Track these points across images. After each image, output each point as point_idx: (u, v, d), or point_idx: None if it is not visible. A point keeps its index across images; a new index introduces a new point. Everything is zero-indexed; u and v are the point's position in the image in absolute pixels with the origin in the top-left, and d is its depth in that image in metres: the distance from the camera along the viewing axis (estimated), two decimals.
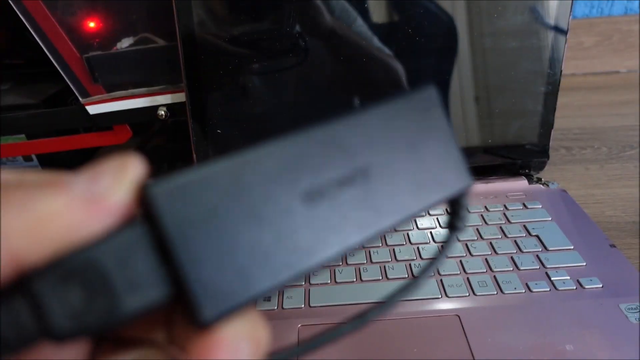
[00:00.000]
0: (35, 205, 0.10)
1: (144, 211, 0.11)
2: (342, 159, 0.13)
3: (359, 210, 0.13)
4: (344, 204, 0.13)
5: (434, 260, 0.15)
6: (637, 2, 0.69)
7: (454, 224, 0.16)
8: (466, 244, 0.38)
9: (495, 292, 0.34)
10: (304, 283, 0.36)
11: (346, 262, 0.37)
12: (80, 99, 0.48)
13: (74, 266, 0.10)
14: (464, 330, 0.31)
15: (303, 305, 0.34)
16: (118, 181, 0.11)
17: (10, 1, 0.42)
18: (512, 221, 0.41)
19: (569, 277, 0.34)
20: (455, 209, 0.16)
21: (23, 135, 0.51)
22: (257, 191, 0.12)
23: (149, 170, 0.12)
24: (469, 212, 0.16)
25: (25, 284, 0.10)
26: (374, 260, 0.37)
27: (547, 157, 0.47)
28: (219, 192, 0.12)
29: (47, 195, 0.10)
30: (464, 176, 0.15)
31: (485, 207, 0.43)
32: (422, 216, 0.42)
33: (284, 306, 0.34)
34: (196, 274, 0.11)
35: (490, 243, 0.38)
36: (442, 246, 0.16)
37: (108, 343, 0.14)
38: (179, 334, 0.13)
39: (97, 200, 0.11)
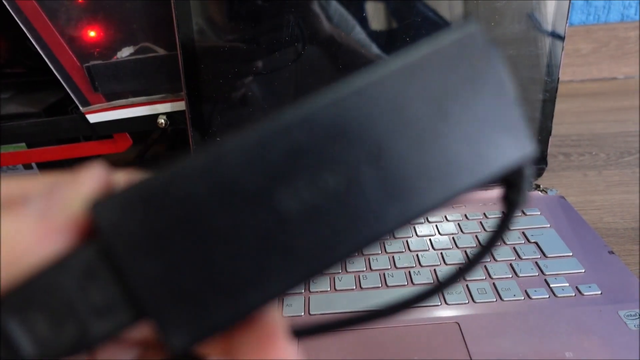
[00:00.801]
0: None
1: (96, 230, 0.10)
2: (341, 143, 0.10)
3: (370, 201, 0.10)
4: (350, 198, 0.10)
5: (489, 243, 0.13)
6: (633, 9, 0.70)
7: (511, 198, 0.13)
8: (465, 251, 0.38)
9: (495, 299, 0.34)
10: (303, 291, 0.36)
11: (346, 270, 0.37)
12: (81, 107, 0.48)
13: (36, 293, 0.10)
14: (463, 337, 0.31)
15: (303, 313, 0.34)
16: (70, 196, 0.10)
17: (11, 11, 0.42)
18: (511, 228, 0.41)
19: (567, 284, 0.34)
20: (514, 180, 0.12)
21: (23, 144, 0.51)
22: (235, 190, 0.10)
23: (109, 180, 0.11)
24: (527, 184, 0.12)
25: None
26: (373, 268, 0.37)
27: (546, 163, 0.47)
28: (172, 205, 0.10)
29: (3, 219, 0.10)
30: (524, 140, 0.11)
31: (484, 214, 0.43)
32: (421, 223, 0.42)
33: (284, 314, 0.34)
34: (156, 298, 0.10)
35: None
36: (500, 225, 0.13)
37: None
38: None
39: (49, 219, 0.10)
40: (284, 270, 0.10)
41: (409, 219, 0.11)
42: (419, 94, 0.11)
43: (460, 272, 0.13)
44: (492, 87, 0.11)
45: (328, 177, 0.10)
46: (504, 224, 0.13)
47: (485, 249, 0.13)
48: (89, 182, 0.11)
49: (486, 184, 0.12)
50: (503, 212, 0.13)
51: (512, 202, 0.13)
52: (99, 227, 0.10)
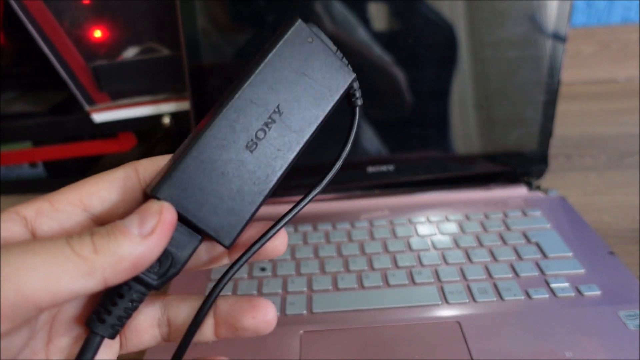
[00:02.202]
0: (118, 249, 0.16)
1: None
2: (259, 111, 0.19)
3: (284, 137, 0.19)
4: (273, 139, 0.19)
5: (348, 137, 0.20)
6: (635, 11, 0.70)
7: (353, 103, 0.21)
8: (466, 251, 0.39)
9: (495, 299, 0.34)
10: (306, 289, 0.36)
11: (347, 269, 0.38)
12: (86, 107, 0.48)
13: None
14: (464, 336, 0.31)
15: (305, 312, 0.34)
16: (157, 221, 0.17)
17: (18, 11, 0.43)
18: (512, 228, 0.41)
19: (567, 284, 0.35)
20: (350, 94, 0.21)
21: (29, 143, 0.52)
22: (218, 160, 0.18)
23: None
24: (359, 92, 0.21)
25: None
26: (375, 267, 0.38)
27: (547, 164, 0.47)
28: (196, 172, 0.18)
29: (120, 241, 0.16)
30: (346, 74, 0.20)
31: (485, 214, 0.43)
32: (422, 223, 0.43)
33: (287, 312, 0.34)
34: (209, 225, 0.18)
35: (490, 250, 0.39)
36: (351, 122, 0.21)
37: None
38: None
39: (150, 233, 0.16)
40: (261, 180, 0.19)
41: (318, 122, 0.19)
42: (288, 67, 0.19)
43: (328, 174, 0.20)
44: (321, 49, 0.19)
45: (264, 121, 0.19)
46: (352, 124, 0.21)
47: (345, 143, 0.21)
48: (168, 214, 0.17)
49: (339, 101, 0.20)
50: (351, 118, 0.21)
51: (354, 105, 0.21)
52: (163, 199, 0.17)
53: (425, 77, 0.45)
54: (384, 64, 0.44)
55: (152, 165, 0.19)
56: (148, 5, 0.45)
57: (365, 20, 0.43)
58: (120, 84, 0.47)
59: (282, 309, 0.35)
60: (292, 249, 0.40)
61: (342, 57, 0.20)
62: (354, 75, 0.20)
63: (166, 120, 0.48)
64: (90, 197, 0.18)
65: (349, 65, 0.20)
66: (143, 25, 0.46)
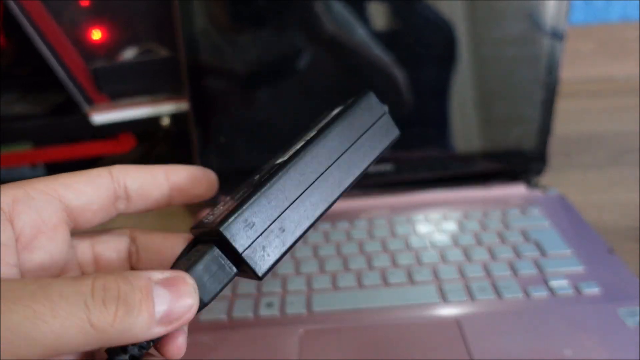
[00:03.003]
0: (132, 325, 0.16)
1: (218, 238, 0.19)
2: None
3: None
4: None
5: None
6: (633, 8, 0.70)
7: None
8: (465, 250, 0.39)
9: (494, 298, 0.34)
10: (305, 288, 0.36)
11: (347, 268, 0.38)
12: (85, 108, 0.49)
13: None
14: (463, 335, 0.31)
15: (305, 311, 0.34)
16: (184, 315, 0.17)
17: (17, 12, 0.43)
18: (511, 227, 0.41)
19: (566, 282, 0.35)
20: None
21: (29, 144, 0.52)
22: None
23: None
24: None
25: None
26: (374, 266, 0.38)
27: (546, 162, 0.47)
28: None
29: (138, 312, 0.16)
30: (395, 130, 0.23)
31: (484, 212, 0.43)
32: (421, 222, 0.43)
33: (286, 312, 0.34)
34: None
35: (489, 248, 0.39)
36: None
37: None
38: None
39: (167, 324, 0.17)
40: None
41: (355, 178, 0.22)
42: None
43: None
44: (384, 121, 0.23)
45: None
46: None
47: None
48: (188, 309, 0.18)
49: (387, 149, 0.23)
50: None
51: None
52: (226, 237, 0.19)
53: (424, 76, 0.45)
54: (383, 64, 0.44)
55: (125, 169, 0.21)
56: (147, 6, 0.45)
57: (364, 20, 0.43)
58: (120, 85, 0.48)
59: (281, 308, 0.35)
60: None
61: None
62: (399, 132, 0.23)
63: (165, 121, 0.48)
64: (66, 189, 0.19)
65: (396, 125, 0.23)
66: (142, 26, 0.46)
